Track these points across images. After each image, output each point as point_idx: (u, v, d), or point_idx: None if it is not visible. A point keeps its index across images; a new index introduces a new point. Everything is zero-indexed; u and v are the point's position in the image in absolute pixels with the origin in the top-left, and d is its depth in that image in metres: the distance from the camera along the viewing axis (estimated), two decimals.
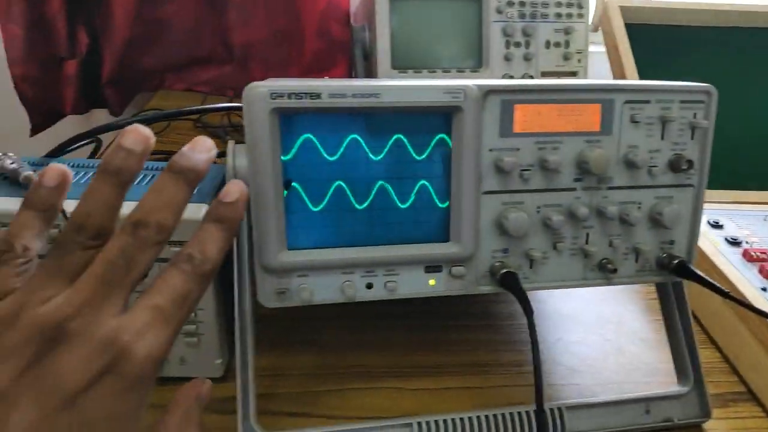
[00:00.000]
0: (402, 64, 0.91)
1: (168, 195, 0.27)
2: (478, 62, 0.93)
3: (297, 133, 0.39)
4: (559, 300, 0.62)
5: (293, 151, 0.39)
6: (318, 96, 0.38)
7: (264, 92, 0.37)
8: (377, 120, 0.40)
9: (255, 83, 0.38)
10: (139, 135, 0.27)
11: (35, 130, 1.06)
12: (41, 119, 1.06)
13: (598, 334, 0.57)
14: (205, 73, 1.14)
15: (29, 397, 0.22)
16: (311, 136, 0.39)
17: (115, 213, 0.27)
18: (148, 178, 0.51)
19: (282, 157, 0.39)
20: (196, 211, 0.44)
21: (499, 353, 0.54)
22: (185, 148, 0.29)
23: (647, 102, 0.42)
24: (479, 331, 0.57)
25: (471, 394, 0.49)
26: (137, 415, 0.25)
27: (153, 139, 0.28)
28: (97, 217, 0.26)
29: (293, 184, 0.39)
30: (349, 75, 1.08)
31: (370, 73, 0.93)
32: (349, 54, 1.02)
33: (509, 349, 0.55)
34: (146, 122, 0.93)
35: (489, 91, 0.40)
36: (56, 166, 0.28)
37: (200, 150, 0.29)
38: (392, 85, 0.39)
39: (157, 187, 0.28)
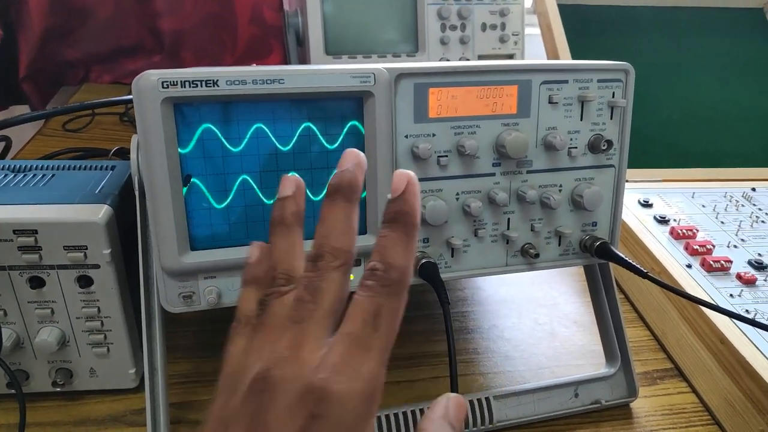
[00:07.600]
0: (336, 50, 0.88)
1: (331, 219, 0.27)
2: (414, 46, 0.91)
3: (196, 123, 0.36)
4: (497, 284, 0.61)
5: (192, 143, 0.37)
6: (215, 83, 0.35)
7: (154, 81, 0.34)
8: (284, 108, 0.38)
9: (146, 72, 0.35)
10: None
11: None
12: None
13: (531, 318, 0.57)
14: (133, 63, 1.09)
15: None
16: (212, 126, 0.37)
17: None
18: (48, 177, 0.47)
19: (180, 150, 0.36)
20: (94, 211, 0.40)
21: (432, 344, 0.53)
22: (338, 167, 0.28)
23: (565, 82, 0.41)
24: (413, 323, 0.55)
25: (402, 388, 0.48)
26: None
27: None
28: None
29: (193, 179, 0.37)
30: (285, 62, 1.05)
31: (304, 59, 0.90)
32: (283, 40, 0.98)
33: (444, 338, 0.53)
34: (66, 113, 0.89)
35: (400, 75, 0.38)
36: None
37: (348, 161, 0.28)
38: (296, 70, 0.37)
39: (321, 217, 0.27)
